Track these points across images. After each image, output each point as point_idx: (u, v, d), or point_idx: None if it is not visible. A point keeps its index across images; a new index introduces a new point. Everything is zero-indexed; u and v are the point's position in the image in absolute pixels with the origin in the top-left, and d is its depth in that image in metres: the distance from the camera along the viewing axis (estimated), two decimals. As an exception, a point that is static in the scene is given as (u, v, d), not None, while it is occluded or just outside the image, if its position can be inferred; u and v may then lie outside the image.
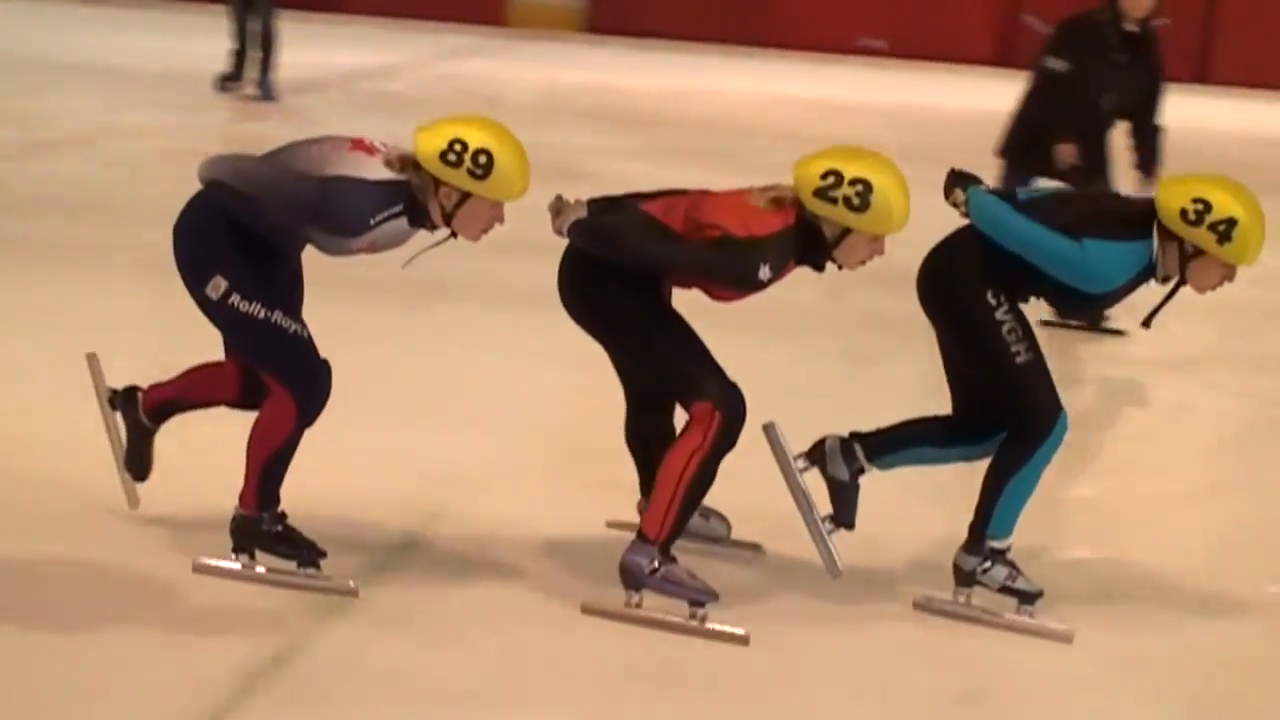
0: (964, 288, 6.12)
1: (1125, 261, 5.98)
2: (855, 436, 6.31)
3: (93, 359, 6.48)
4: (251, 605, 5.86)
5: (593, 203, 6.06)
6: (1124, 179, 10.47)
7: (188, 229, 5.90)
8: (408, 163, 5.78)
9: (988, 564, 6.17)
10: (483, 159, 5.73)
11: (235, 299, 5.82)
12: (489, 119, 5.88)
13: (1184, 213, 5.86)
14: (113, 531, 6.35)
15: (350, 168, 5.72)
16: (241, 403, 6.19)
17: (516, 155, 5.78)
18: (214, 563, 6.04)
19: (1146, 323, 6.13)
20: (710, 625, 5.88)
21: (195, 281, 5.87)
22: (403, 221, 5.80)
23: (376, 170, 5.75)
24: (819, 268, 6.06)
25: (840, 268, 6.03)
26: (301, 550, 6.04)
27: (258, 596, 5.91)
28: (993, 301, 6.05)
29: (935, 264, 6.26)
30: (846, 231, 5.91)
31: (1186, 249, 5.93)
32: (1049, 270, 5.99)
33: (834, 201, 5.85)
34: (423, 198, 5.81)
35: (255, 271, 5.86)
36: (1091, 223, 5.97)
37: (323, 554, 6.05)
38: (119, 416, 6.39)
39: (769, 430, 6.16)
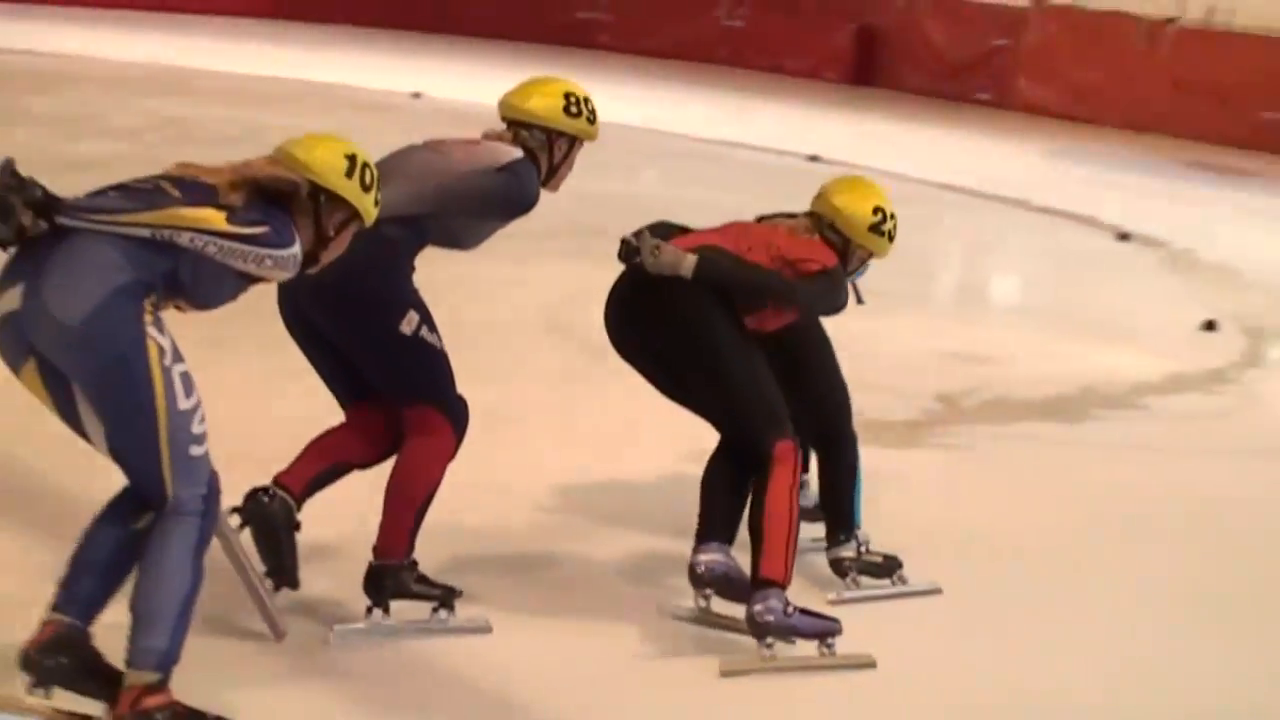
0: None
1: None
2: None
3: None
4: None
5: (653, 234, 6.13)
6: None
7: (371, 268, 5.68)
8: (506, 136, 6.07)
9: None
10: (591, 105, 6.16)
11: (424, 331, 5.80)
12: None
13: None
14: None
15: (492, 154, 5.95)
16: (376, 459, 6.00)
17: None
18: (355, 627, 5.72)
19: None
20: (839, 655, 5.89)
21: (388, 319, 5.76)
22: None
23: (505, 150, 5.99)
24: None
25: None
26: (441, 590, 5.88)
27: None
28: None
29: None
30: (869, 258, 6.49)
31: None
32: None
33: (883, 235, 6.41)
34: (538, 158, 6.07)
35: (423, 302, 5.87)
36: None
37: (459, 593, 5.90)
38: (246, 531, 5.84)
39: None
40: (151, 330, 4.76)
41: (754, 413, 6.01)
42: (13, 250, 4.77)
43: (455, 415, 5.85)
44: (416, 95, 21.57)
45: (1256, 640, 6.64)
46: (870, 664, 5.90)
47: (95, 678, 4.83)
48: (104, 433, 4.79)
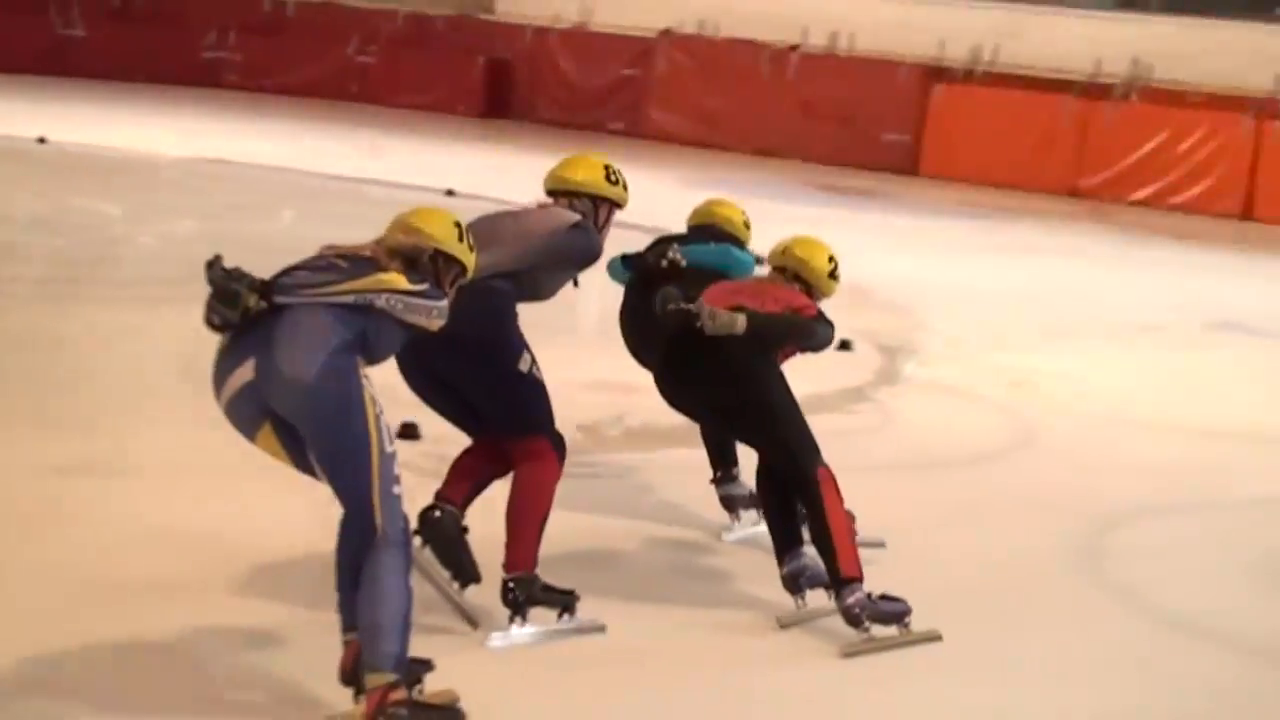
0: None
1: None
2: None
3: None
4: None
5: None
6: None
7: (490, 318, 6.76)
8: (562, 204, 7.16)
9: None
10: (623, 176, 7.36)
11: (536, 369, 6.81)
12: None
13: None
14: None
15: (560, 217, 7.05)
16: (505, 473, 6.89)
17: None
18: (514, 632, 6.61)
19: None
20: (914, 631, 6.87)
21: (508, 360, 6.78)
22: None
23: (569, 214, 7.09)
24: None
25: None
26: (564, 596, 6.72)
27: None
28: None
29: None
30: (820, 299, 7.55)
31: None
32: None
33: (836, 279, 7.61)
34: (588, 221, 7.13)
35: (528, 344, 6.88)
36: None
37: (578, 597, 6.73)
38: (429, 550, 6.81)
39: None
40: (365, 383, 5.70)
41: (802, 446, 7.01)
42: (229, 333, 5.68)
43: (559, 444, 6.83)
44: (42, 140, 21.01)
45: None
46: (938, 637, 6.87)
47: None
48: (328, 474, 5.70)
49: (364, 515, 5.66)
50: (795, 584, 7.07)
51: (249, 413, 5.73)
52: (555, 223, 7.00)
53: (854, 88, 25.02)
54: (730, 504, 8.23)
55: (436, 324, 5.86)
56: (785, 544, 7.12)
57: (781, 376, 7.14)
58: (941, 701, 6.41)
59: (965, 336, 13.21)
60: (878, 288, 14.91)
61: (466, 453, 7.02)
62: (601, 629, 6.73)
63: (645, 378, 11.02)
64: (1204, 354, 12.52)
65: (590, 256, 7.08)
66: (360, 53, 29.54)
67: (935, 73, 24.96)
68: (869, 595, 6.82)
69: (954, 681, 6.58)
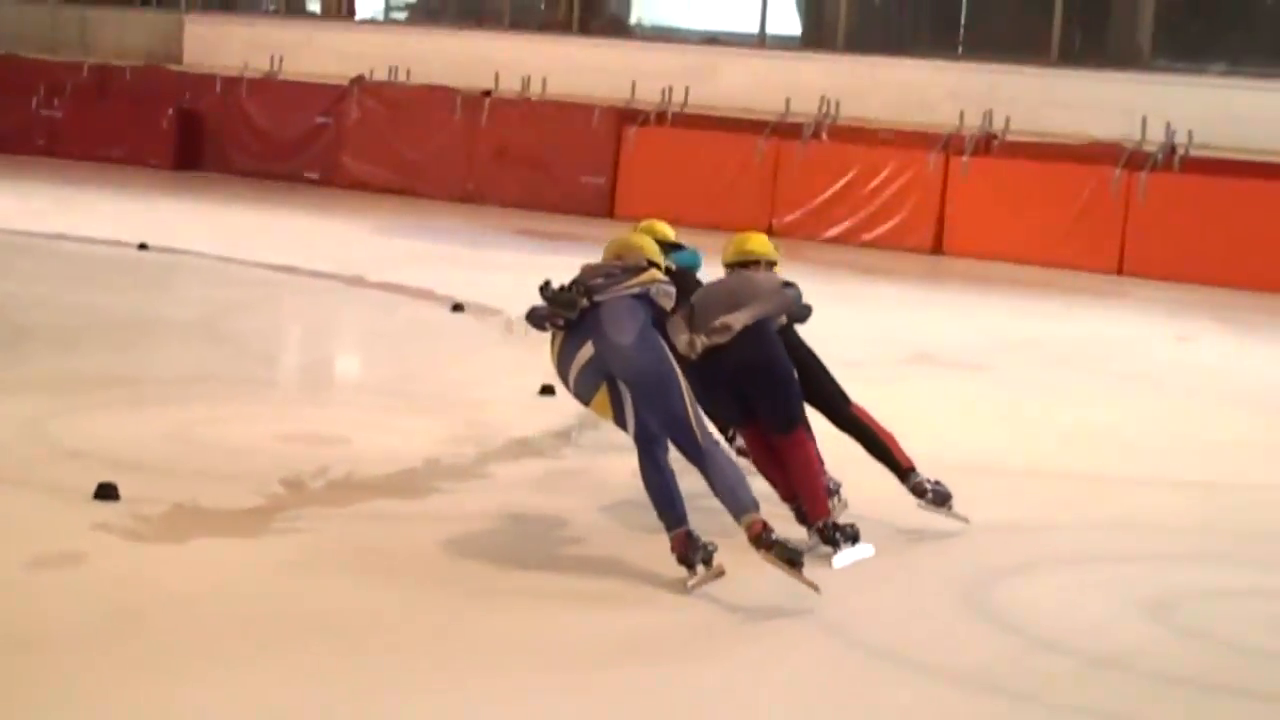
0: None
1: None
2: None
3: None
4: None
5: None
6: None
7: (772, 346, 8.97)
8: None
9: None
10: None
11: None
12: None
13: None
14: None
15: (771, 278, 9.21)
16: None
17: None
18: (846, 552, 8.62)
19: None
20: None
21: (783, 373, 8.96)
22: None
23: (773, 274, 9.36)
24: None
25: None
26: (852, 529, 8.78)
27: None
28: None
29: None
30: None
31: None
32: None
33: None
34: None
35: None
36: None
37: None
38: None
39: None
40: (664, 343, 8.38)
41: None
42: (563, 330, 8.28)
43: (809, 430, 8.99)
44: None
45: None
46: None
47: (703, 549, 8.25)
48: (653, 408, 8.20)
49: (687, 432, 8.15)
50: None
51: (591, 380, 8.28)
52: (774, 281, 9.12)
53: (547, 132, 25.07)
54: None
55: (669, 304, 8.49)
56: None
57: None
58: None
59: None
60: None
61: (755, 449, 9.14)
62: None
63: (347, 428, 10.98)
64: (902, 388, 12.72)
65: (799, 305, 9.22)
66: (45, 106, 28.92)
67: (628, 115, 25.12)
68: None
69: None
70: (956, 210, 22.66)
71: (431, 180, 25.69)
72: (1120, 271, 21.40)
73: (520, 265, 18.61)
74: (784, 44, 27.38)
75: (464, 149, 25.74)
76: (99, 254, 18.08)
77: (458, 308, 15.91)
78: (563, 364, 8.30)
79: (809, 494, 8.84)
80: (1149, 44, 25.04)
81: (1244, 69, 24.07)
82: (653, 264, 8.53)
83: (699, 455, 8.12)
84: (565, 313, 8.19)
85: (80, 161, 27.37)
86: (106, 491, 8.81)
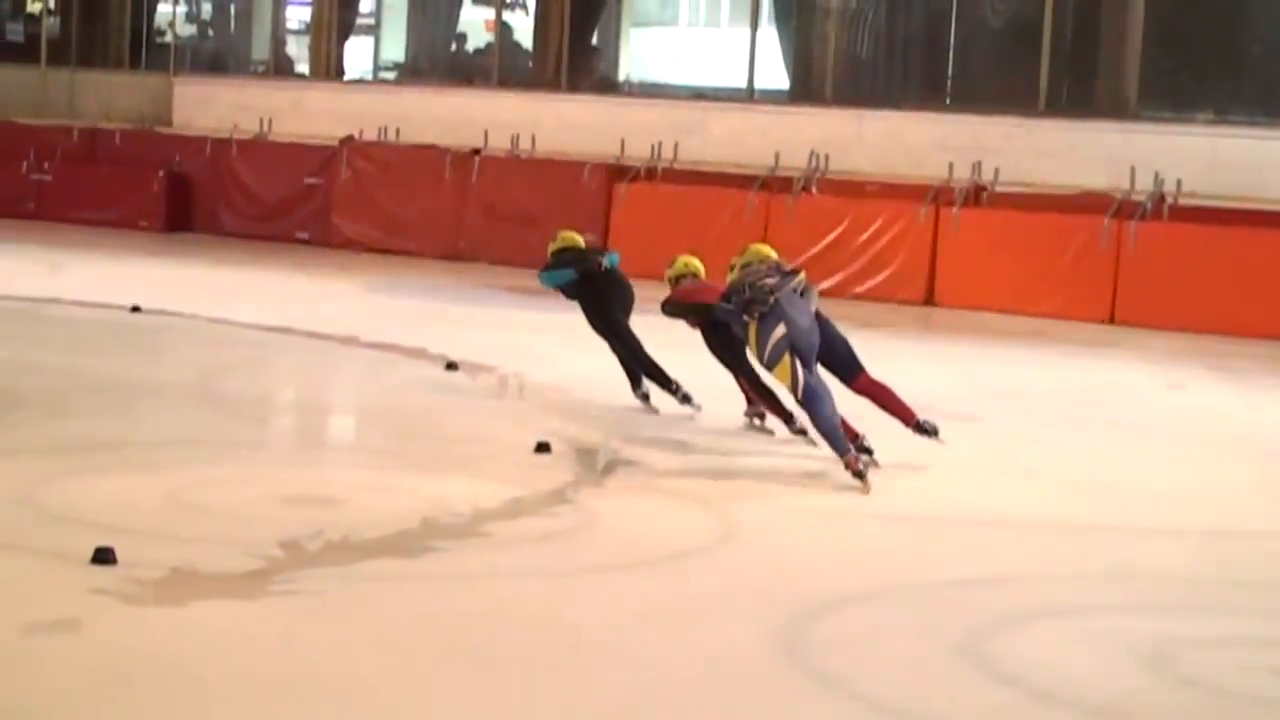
0: None
1: None
2: None
3: None
4: None
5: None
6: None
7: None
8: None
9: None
10: None
11: None
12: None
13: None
14: None
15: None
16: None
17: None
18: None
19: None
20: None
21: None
22: None
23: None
24: None
25: None
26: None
27: None
28: None
29: None
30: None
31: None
32: None
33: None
34: None
35: None
36: None
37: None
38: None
39: None
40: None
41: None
42: (758, 317, 11.76)
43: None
44: None
45: None
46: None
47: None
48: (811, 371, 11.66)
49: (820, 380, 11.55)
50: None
51: (783, 350, 11.38)
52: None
53: (538, 189, 25.08)
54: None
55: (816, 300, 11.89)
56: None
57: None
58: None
59: (663, 434, 13.26)
60: (573, 387, 14.94)
61: (874, 390, 12.11)
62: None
63: (343, 489, 10.97)
64: (894, 440, 12.72)
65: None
66: (35, 170, 28.92)
67: (618, 171, 25.15)
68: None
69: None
70: (947, 262, 22.68)
71: (422, 239, 25.71)
72: (1112, 320, 21.42)
73: (513, 323, 18.65)
74: (772, 98, 27.42)
75: (454, 207, 25.77)
76: (91, 317, 18.06)
77: (451, 366, 15.90)
78: (759, 341, 11.58)
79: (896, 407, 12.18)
80: (1136, 94, 25.09)
81: (1231, 118, 24.19)
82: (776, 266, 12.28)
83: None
84: (762, 308, 11.56)
85: (71, 225, 27.36)
86: (104, 556, 8.79)
